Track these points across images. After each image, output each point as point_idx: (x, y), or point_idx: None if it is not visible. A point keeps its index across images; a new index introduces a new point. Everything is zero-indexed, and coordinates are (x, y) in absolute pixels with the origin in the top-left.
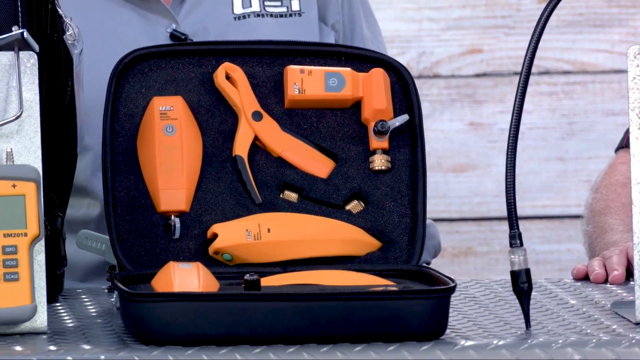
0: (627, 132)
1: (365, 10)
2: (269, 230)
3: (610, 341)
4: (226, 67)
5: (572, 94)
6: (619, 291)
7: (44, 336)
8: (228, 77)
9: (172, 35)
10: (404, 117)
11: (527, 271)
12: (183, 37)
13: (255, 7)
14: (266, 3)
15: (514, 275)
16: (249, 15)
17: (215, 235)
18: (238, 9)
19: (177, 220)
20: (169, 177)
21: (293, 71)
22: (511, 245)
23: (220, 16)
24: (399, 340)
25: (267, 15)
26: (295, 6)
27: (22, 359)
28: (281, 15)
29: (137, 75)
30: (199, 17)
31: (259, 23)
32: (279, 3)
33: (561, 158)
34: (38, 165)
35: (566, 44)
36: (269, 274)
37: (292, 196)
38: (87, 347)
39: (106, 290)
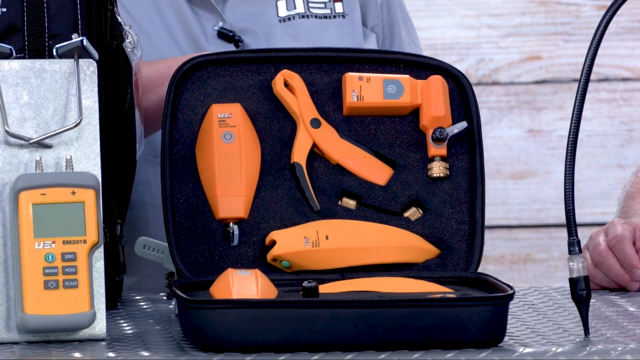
0: None
1: (403, 15)
2: (327, 238)
3: None
4: (284, 74)
5: (631, 101)
6: None
7: (103, 343)
8: (286, 85)
9: (220, 33)
10: (463, 124)
11: (586, 278)
12: (231, 34)
13: (300, 8)
14: (310, 5)
15: (573, 282)
16: (293, 17)
17: (273, 242)
18: (282, 12)
19: (236, 227)
20: (228, 184)
21: (351, 78)
22: (570, 252)
23: (265, 17)
24: (457, 347)
25: (311, 16)
26: (339, 8)
27: None
28: (325, 17)
29: (195, 83)
30: (244, 16)
31: (304, 23)
32: (322, 5)
33: (620, 165)
34: (97, 172)
35: (625, 51)
36: (327, 281)
37: (350, 203)
38: (145, 353)
39: (165, 297)
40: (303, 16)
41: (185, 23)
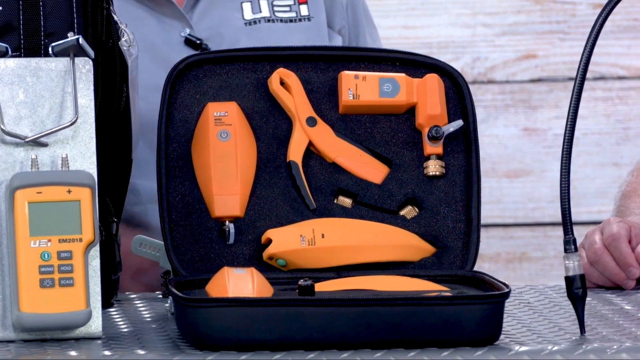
0: None
1: (366, 15)
2: (323, 236)
3: None
4: (280, 72)
5: (627, 100)
6: None
7: (99, 341)
8: (282, 83)
9: (187, 40)
10: (459, 123)
11: (582, 277)
12: (198, 42)
13: (265, 12)
14: (275, 8)
15: (569, 280)
16: (259, 21)
17: (269, 241)
18: (248, 15)
19: (232, 225)
20: (224, 182)
21: (347, 77)
22: (566, 250)
23: (231, 21)
24: (453, 345)
25: (277, 20)
26: (304, 11)
27: None
28: (291, 20)
29: (191, 81)
30: (210, 22)
31: (270, 28)
32: (287, 8)
33: (616, 163)
34: (93, 170)
35: (621, 49)
36: (323, 280)
37: (346, 202)
38: (141, 352)
39: (160, 296)
40: (268, 20)
41: (152, 31)
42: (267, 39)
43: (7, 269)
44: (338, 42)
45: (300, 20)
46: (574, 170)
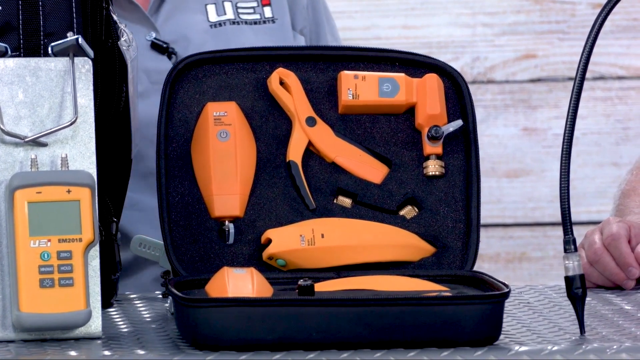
0: None
1: (326, 12)
2: (322, 236)
3: None
4: (280, 72)
5: (626, 99)
6: None
7: (99, 341)
8: (282, 83)
9: (153, 44)
10: (458, 123)
11: (582, 277)
12: (165, 45)
13: (230, 14)
14: (240, 10)
15: (568, 280)
16: (224, 23)
17: (269, 241)
18: (213, 17)
19: (231, 225)
20: (223, 182)
21: (347, 76)
22: (565, 250)
23: (196, 24)
24: (453, 345)
25: (242, 22)
26: (268, 13)
27: None
28: (255, 23)
29: (191, 81)
30: (175, 25)
31: (235, 30)
32: (251, 10)
33: (615, 163)
34: (93, 170)
35: (621, 49)
36: (323, 280)
37: (346, 201)
38: (141, 352)
39: (160, 296)
40: (233, 22)
41: None
42: (233, 41)
43: (7, 269)
44: (301, 42)
45: (264, 22)
46: (574, 170)
